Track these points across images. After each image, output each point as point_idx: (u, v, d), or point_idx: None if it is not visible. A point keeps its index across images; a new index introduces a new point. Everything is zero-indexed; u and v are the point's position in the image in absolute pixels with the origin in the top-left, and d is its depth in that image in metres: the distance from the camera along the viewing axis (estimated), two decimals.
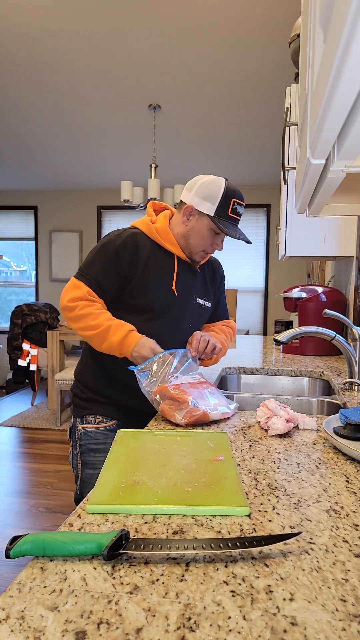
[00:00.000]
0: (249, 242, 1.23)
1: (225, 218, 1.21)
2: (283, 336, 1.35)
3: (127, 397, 1.27)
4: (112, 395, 1.29)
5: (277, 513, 0.59)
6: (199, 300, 1.35)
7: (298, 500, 0.63)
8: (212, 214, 1.20)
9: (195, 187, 1.23)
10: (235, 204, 1.22)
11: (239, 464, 0.76)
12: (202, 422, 0.99)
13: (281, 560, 0.49)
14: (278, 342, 1.35)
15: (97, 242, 1.27)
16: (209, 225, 1.23)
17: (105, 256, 1.21)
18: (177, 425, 0.98)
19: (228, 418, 1.05)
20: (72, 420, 1.33)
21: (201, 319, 1.38)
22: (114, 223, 5.83)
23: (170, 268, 1.27)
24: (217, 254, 1.49)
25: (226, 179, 1.23)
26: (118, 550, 0.48)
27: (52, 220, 5.90)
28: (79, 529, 0.55)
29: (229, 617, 0.40)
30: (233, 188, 1.22)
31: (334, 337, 1.36)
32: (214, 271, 1.45)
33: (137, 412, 1.26)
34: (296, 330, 1.35)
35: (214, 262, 1.47)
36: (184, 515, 0.58)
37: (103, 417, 1.28)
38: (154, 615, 0.40)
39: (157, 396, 1.05)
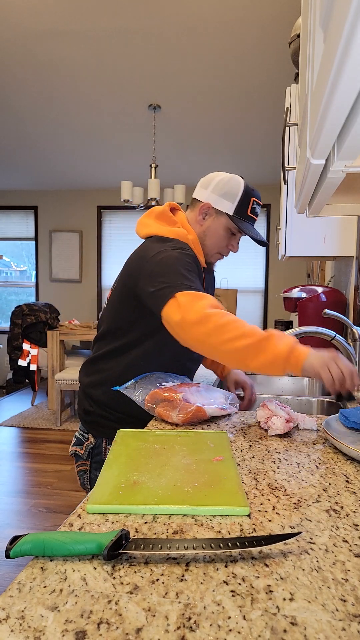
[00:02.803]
0: (266, 244, 1.18)
1: (244, 218, 1.17)
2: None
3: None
4: (145, 415, 1.12)
5: (277, 513, 0.59)
6: None
7: (298, 500, 0.63)
8: (231, 213, 1.15)
9: (212, 184, 1.17)
10: (255, 203, 1.17)
11: (239, 464, 0.76)
12: (201, 419, 0.99)
13: (281, 560, 0.49)
14: None
15: (161, 259, 1.07)
16: (226, 225, 1.18)
17: (188, 263, 1.07)
18: (176, 425, 0.98)
19: (228, 417, 1.04)
20: (89, 439, 1.21)
21: None
22: (114, 223, 5.83)
23: (201, 278, 1.20)
24: None
25: (242, 177, 1.19)
26: (118, 550, 0.48)
27: (52, 220, 5.90)
28: (79, 529, 0.55)
29: (229, 617, 0.40)
30: (252, 187, 1.18)
31: (334, 337, 1.36)
32: (213, 273, 1.43)
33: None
34: (296, 330, 1.35)
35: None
36: (184, 515, 0.58)
37: None
38: (154, 615, 0.40)
39: (151, 403, 1.04)
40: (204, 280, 1.26)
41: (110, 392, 1.17)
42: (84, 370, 1.27)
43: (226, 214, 1.16)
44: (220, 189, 1.16)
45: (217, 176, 1.19)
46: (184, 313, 0.95)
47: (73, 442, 1.28)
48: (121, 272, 1.21)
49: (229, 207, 1.15)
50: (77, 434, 1.28)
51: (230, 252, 1.24)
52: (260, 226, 5.45)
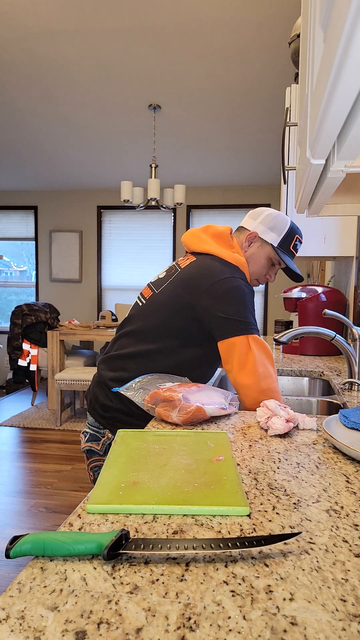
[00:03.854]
0: (301, 279, 1.28)
1: (286, 251, 1.27)
2: (283, 336, 1.35)
3: None
4: None
5: (277, 513, 0.59)
6: None
7: (298, 500, 0.63)
8: (275, 244, 1.25)
9: (262, 216, 1.28)
10: (297, 240, 1.28)
11: (239, 464, 0.76)
12: (200, 419, 0.99)
13: (281, 560, 0.49)
14: (278, 342, 1.35)
15: (231, 291, 1.16)
16: (269, 255, 1.27)
17: (252, 300, 1.19)
18: (176, 425, 0.98)
19: (228, 417, 1.05)
20: (106, 434, 1.24)
21: None
22: (114, 223, 5.84)
23: None
24: None
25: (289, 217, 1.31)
26: (118, 550, 0.48)
27: (52, 220, 5.90)
28: (79, 529, 0.55)
29: (229, 617, 0.40)
30: (297, 226, 1.29)
31: (334, 337, 1.36)
32: None
33: None
34: (296, 330, 1.35)
35: None
36: (184, 515, 0.58)
37: None
38: (154, 615, 0.40)
39: (151, 404, 1.04)
40: None
41: (134, 390, 1.20)
42: (107, 364, 1.25)
43: (271, 244, 1.26)
44: (269, 222, 1.26)
45: (267, 210, 1.29)
46: (256, 363, 1.10)
47: (86, 438, 1.27)
48: (176, 279, 1.22)
49: (275, 239, 1.26)
50: (88, 429, 1.27)
51: (267, 281, 1.34)
52: None
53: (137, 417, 1.19)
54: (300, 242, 1.30)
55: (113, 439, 1.20)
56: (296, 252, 1.29)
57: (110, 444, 1.23)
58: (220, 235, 1.26)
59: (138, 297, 1.31)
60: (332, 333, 1.35)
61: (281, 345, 2.26)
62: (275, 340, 1.35)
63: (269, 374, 1.12)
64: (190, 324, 1.17)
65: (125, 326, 1.27)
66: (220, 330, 1.14)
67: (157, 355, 1.19)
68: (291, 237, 1.26)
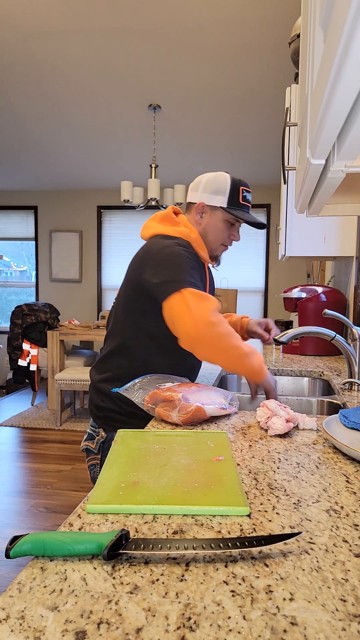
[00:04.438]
0: (265, 226, 1.25)
1: (238, 206, 1.24)
2: (283, 336, 1.35)
3: None
4: None
5: (277, 513, 0.59)
6: None
7: (298, 500, 0.63)
8: (224, 206, 1.23)
9: (201, 185, 1.26)
10: (244, 191, 1.25)
11: (239, 464, 0.76)
12: (200, 419, 0.99)
13: (281, 560, 0.49)
14: (278, 342, 1.35)
15: (164, 255, 1.14)
16: (223, 217, 1.25)
17: (192, 263, 1.15)
18: (176, 425, 0.98)
19: (228, 417, 1.04)
20: (100, 433, 1.26)
21: None
22: (114, 223, 5.83)
23: (204, 275, 1.29)
24: None
25: (227, 172, 1.26)
26: (118, 550, 0.48)
27: (52, 220, 5.90)
28: (79, 529, 0.55)
29: (229, 617, 0.40)
30: (238, 178, 1.25)
31: (334, 337, 1.36)
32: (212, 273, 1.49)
33: None
34: (296, 330, 1.35)
35: None
36: (184, 515, 0.58)
37: None
38: (154, 615, 0.40)
39: (151, 404, 1.04)
40: (208, 279, 1.32)
41: (124, 380, 1.22)
42: (95, 368, 1.32)
43: (220, 207, 1.24)
44: (209, 187, 1.24)
45: (204, 177, 1.27)
46: (192, 312, 1.04)
47: (84, 438, 1.33)
48: (127, 271, 1.27)
49: (222, 201, 1.24)
50: (88, 430, 1.33)
51: (234, 242, 1.32)
52: None
53: (129, 415, 1.22)
54: (248, 191, 1.26)
55: (106, 437, 1.24)
56: (248, 203, 1.26)
57: (103, 443, 1.26)
58: (164, 217, 1.29)
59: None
60: (332, 333, 1.35)
61: (281, 345, 2.26)
62: (275, 340, 1.35)
63: (211, 322, 1.04)
64: (148, 303, 1.17)
65: (107, 329, 1.33)
66: (159, 296, 1.11)
67: (132, 344, 1.23)
68: (237, 191, 1.23)
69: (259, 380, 1.12)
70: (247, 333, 1.46)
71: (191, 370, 1.31)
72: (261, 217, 5.47)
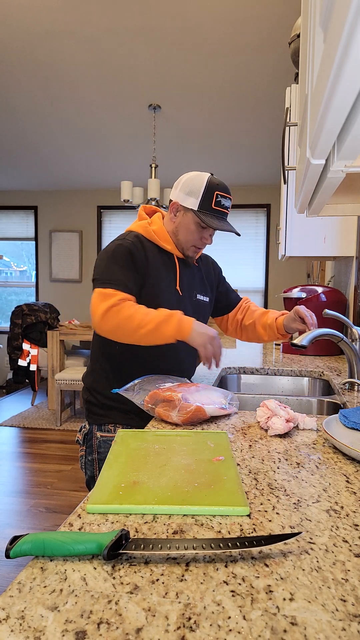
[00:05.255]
0: (237, 234, 1.23)
1: (210, 211, 1.22)
2: (302, 339, 1.28)
3: None
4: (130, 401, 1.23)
5: (277, 513, 0.59)
6: (198, 296, 1.36)
7: (298, 500, 0.63)
8: (195, 208, 1.22)
9: (180, 183, 1.25)
10: (219, 196, 1.22)
11: (239, 464, 0.76)
12: (200, 419, 0.99)
13: (281, 560, 0.49)
14: (298, 347, 1.27)
15: (101, 253, 1.23)
16: (194, 220, 1.24)
17: (120, 259, 1.18)
18: (176, 425, 0.98)
19: (228, 417, 1.04)
20: (86, 426, 1.30)
21: (201, 315, 1.38)
22: (114, 223, 5.83)
23: (172, 268, 1.28)
24: (218, 254, 1.51)
25: (211, 174, 1.24)
26: (118, 550, 0.48)
27: (52, 220, 5.90)
28: (79, 529, 0.55)
29: (229, 617, 0.40)
30: (217, 182, 1.22)
31: (342, 339, 1.36)
32: (208, 267, 1.47)
33: None
34: (313, 332, 1.30)
35: (206, 258, 1.49)
36: (184, 515, 0.58)
37: (123, 425, 1.25)
38: (154, 615, 0.40)
39: (151, 404, 1.04)
40: (179, 273, 1.29)
41: (101, 376, 1.29)
42: (87, 368, 1.38)
43: (192, 209, 1.23)
44: (185, 187, 1.24)
45: (184, 176, 1.26)
46: (93, 311, 1.12)
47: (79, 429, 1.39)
48: None
49: (194, 203, 1.22)
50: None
51: (205, 244, 1.30)
52: (260, 226, 5.45)
53: (105, 407, 1.27)
54: (225, 197, 1.23)
55: (89, 429, 1.29)
56: (224, 209, 1.23)
57: (86, 434, 1.30)
58: (138, 215, 1.35)
59: None
60: (340, 335, 1.36)
61: (281, 345, 2.26)
62: (294, 344, 1.28)
63: (102, 319, 1.10)
64: None
65: None
66: None
67: (99, 339, 1.27)
68: (210, 196, 1.20)
69: (185, 339, 1.12)
70: (287, 331, 1.42)
71: (180, 365, 1.30)
72: (261, 217, 5.46)
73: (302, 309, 1.35)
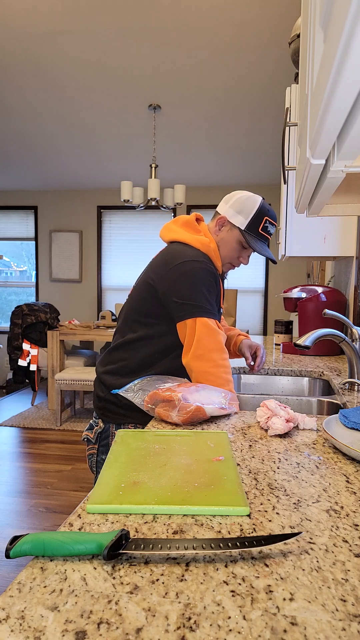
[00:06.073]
0: (274, 262, 1.27)
1: (255, 234, 1.26)
2: (305, 340, 1.29)
3: None
4: None
5: (277, 513, 0.59)
6: (221, 310, 1.40)
7: (298, 500, 0.63)
8: (242, 228, 1.25)
9: (232, 200, 1.27)
10: (267, 222, 1.26)
11: (239, 464, 0.76)
12: (200, 419, 0.99)
13: (281, 560, 0.49)
14: (301, 347, 1.28)
15: (186, 275, 1.18)
16: (238, 238, 1.27)
17: (210, 285, 1.19)
18: (176, 425, 0.98)
19: (228, 417, 1.05)
20: (99, 424, 1.29)
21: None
22: (114, 223, 5.83)
23: (218, 289, 1.29)
24: None
25: (263, 198, 1.27)
26: (118, 550, 0.48)
27: (52, 220, 5.90)
28: (79, 529, 0.55)
29: (229, 617, 0.40)
30: (268, 208, 1.26)
31: (344, 339, 1.36)
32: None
33: None
34: (316, 333, 1.31)
35: None
36: (184, 515, 0.58)
37: (143, 425, 1.25)
38: (154, 615, 0.40)
39: (150, 404, 1.04)
40: (222, 290, 1.34)
41: (122, 380, 1.26)
42: (101, 361, 1.35)
43: (238, 227, 1.26)
44: (237, 205, 1.26)
45: (238, 193, 1.29)
46: (198, 344, 1.13)
47: (86, 428, 1.37)
48: (146, 269, 1.29)
49: (242, 222, 1.25)
50: (91, 421, 1.36)
51: (242, 264, 1.33)
52: None
53: (125, 407, 1.25)
54: (273, 224, 1.27)
55: (104, 428, 1.28)
56: (268, 235, 1.28)
57: (100, 433, 1.29)
58: (187, 223, 1.31)
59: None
60: (342, 335, 1.36)
61: (281, 345, 2.26)
62: (297, 345, 1.29)
63: (212, 358, 1.13)
64: (160, 308, 1.22)
65: (118, 323, 1.36)
66: (175, 314, 1.18)
67: (137, 343, 1.26)
68: (259, 220, 1.25)
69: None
70: (238, 351, 1.51)
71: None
72: None
73: (261, 350, 1.45)
